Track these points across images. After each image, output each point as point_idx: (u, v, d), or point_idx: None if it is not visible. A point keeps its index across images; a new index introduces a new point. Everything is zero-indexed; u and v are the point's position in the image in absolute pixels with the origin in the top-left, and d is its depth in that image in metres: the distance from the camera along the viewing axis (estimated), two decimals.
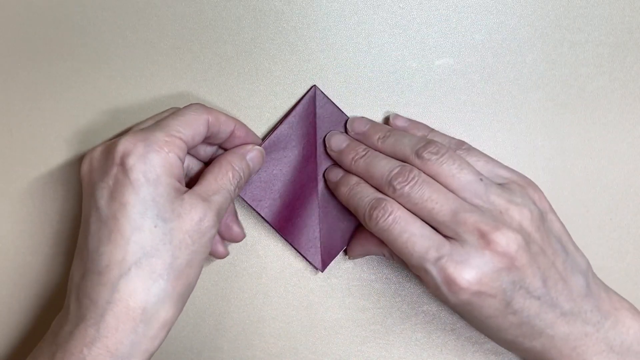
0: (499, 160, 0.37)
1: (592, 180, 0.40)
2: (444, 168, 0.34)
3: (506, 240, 0.31)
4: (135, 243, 0.30)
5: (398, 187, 0.33)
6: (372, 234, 0.35)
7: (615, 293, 0.35)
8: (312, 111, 0.39)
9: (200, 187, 0.33)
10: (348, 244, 0.39)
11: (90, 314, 0.30)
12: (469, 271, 0.31)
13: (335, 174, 0.38)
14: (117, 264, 0.30)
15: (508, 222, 0.32)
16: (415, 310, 0.40)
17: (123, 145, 0.31)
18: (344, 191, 0.36)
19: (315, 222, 0.39)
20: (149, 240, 0.30)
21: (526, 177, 0.36)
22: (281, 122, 0.39)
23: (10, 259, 0.40)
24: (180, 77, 0.39)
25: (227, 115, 0.35)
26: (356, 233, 0.39)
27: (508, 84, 0.39)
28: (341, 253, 0.40)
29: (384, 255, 0.37)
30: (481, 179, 0.34)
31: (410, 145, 0.35)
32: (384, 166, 0.35)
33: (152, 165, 0.31)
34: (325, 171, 0.39)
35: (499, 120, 0.40)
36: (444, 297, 0.33)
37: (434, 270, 0.32)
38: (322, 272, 0.39)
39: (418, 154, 0.34)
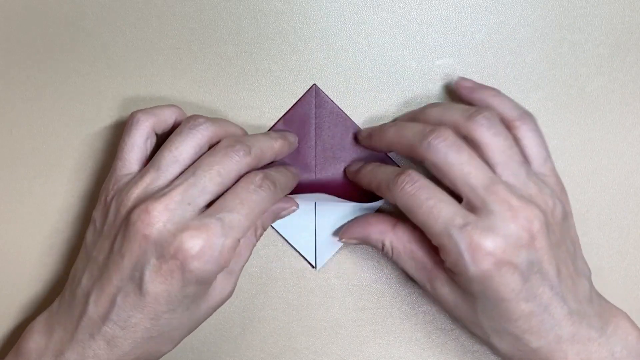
0: None
1: (592, 180, 0.40)
2: (493, 140, 0.33)
3: (532, 216, 0.31)
4: (166, 320, 0.33)
5: (434, 142, 0.32)
6: (375, 219, 0.35)
7: (611, 303, 0.35)
8: (311, 110, 0.39)
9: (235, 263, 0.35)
10: (345, 226, 0.38)
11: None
12: (495, 238, 0.31)
13: (356, 165, 0.38)
14: (143, 328, 0.32)
15: (537, 203, 0.32)
16: (415, 310, 0.40)
17: (188, 244, 0.31)
18: (367, 169, 0.36)
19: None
20: (176, 320, 0.33)
21: (561, 182, 0.36)
22: (280, 121, 0.39)
23: (10, 259, 0.40)
24: (180, 77, 0.39)
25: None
26: (357, 218, 0.38)
27: (508, 84, 0.39)
28: (342, 253, 0.40)
29: (381, 247, 0.36)
30: (524, 163, 0.33)
31: (462, 110, 0.33)
32: (417, 126, 0.34)
33: (208, 271, 0.32)
34: (345, 168, 0.39)
35: None
36: (463, 268, 0.31)
37: (458, 237, 0.31)
38: (316, 269, 0.39)
39: (471, 117, 0.33)
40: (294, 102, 0.39)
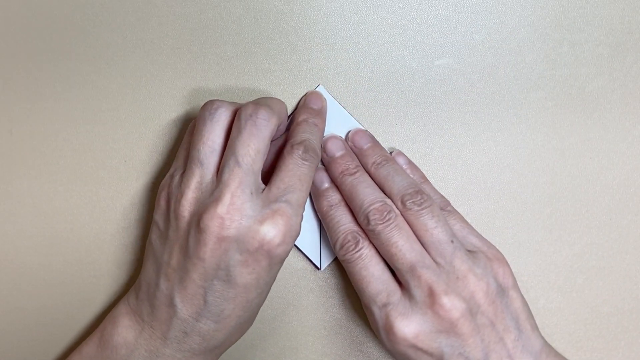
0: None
1: (592, 180, 0.40)
2: (420, 221, 0.34)
3: (451, 305, 0.32)
4: (255, 302, 0.35)
5: (372, 222, 0.34)
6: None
7: None
8: None
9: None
10: None
11: (204, 352, 0.35)
12: (408, 324, 0.33)
13: (321, 181, 0.38)
14: (236, 317, 0.34)
15: (460, 289, 0.33)
16: None
17: (271, 233, 0.32)
18: (324, 205, 0.37)
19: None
20: (263, 298, 0.35)
21: (497, 252, 0.36)
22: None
23: (10, 259, 0.40)
24: (180, 77, 0.39)
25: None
26: None
27: (508, 84, 0.39)
28: None
29: None
30: (452, 241, 0.34)
31: (399, 188, 0.35)
32: (367, 195, 0.35)
33: (290, 249, 0.33)
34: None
35: (499, 120, 0.40)
36: (382, 342, 0.34)
37: (377, 314, 0.34)
38: (320, 270, 0.39)
39: (402, 201, 0.35)
40: (296, 103, 0.39)
